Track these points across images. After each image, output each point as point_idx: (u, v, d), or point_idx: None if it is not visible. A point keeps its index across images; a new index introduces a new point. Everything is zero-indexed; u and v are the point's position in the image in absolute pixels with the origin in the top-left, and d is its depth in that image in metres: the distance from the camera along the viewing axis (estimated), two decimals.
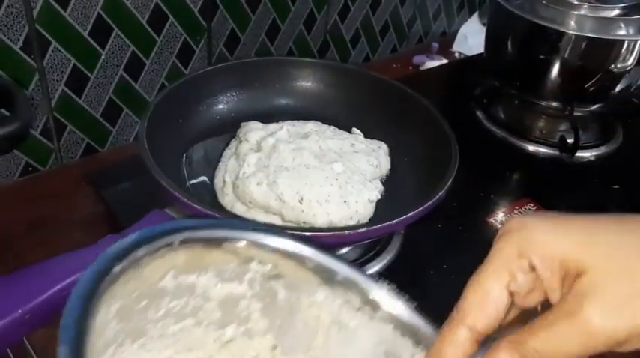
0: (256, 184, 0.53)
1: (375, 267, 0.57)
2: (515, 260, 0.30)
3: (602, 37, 0.68)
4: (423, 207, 0.49)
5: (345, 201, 0.53)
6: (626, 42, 0.68)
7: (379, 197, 0.56)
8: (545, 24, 0.69)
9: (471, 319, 0.31)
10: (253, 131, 0.60)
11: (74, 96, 0.76)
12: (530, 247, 0.30)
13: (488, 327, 0.31)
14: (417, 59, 1.11)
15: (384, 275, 0.56)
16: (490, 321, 0.31)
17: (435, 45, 1.13)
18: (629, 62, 0.71)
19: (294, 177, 0.54)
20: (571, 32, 0.68)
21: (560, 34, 0.69)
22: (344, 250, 0.58)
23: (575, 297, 0.28)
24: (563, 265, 0.29)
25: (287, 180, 0.53)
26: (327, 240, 0.47)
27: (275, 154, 0.56)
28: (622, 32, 0.69)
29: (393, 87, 0.66)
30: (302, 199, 0.52)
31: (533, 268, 0.30)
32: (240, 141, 0.60)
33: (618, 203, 0.69)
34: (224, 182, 0.57)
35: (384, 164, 0.61)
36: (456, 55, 1.16)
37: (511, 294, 0.31)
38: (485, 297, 0.31)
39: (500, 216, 0.65)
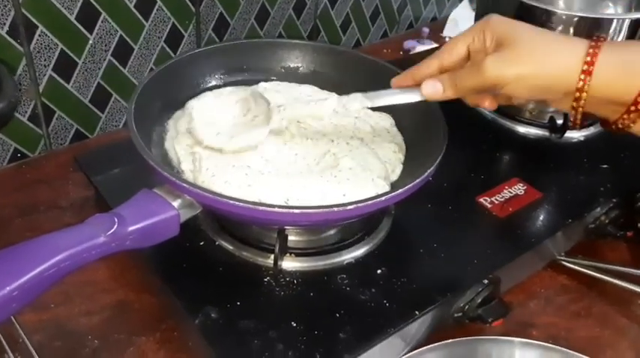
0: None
1: (365, 246, 0.57)
2: (478, 32, 0.49)
3: (591, 15, 0.68)
4: (411, 185, 0.49)
5: (344, 195, 0.52)
6: (614, 20, 0.68)
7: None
8: (534, 3, 0.69)
9: (443, 56, 0.51)
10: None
11: (62, 81, 0.75)
12: (487, 26, 0.49)
13: (449, 64, 0.51)
14: (407, 44, 1.11)
15: (375, 254, 0.57)
16: (452, 60, 0.51)
17: (426, 30, 1.13)
18: (618, 41, 0.71)
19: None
20: (560, 11, 0.68)
21: (549, 14, 0.69)
22: (333, 230, 0.58)
23: (485, 55, 0.47)
24: (498, 37, 0.47)
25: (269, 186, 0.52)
26: (315, 218, 0.47)
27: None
28: (610, 11, 0.69)
29: (384, 68, 0.66)
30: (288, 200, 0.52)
31: (485, 40, 0.49)
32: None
33: (607, 183, 0.69)
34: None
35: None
36: (447, 40, 1.16)
37: (468, 52, 0.50)
38: (454, 47, 0.51)
39: (489, 196, 0.65)
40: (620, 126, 0.47)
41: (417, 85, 0.51)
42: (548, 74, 0.45)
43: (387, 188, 0.54)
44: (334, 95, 0.55)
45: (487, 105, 0.52)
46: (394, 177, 0.58)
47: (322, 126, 0.61)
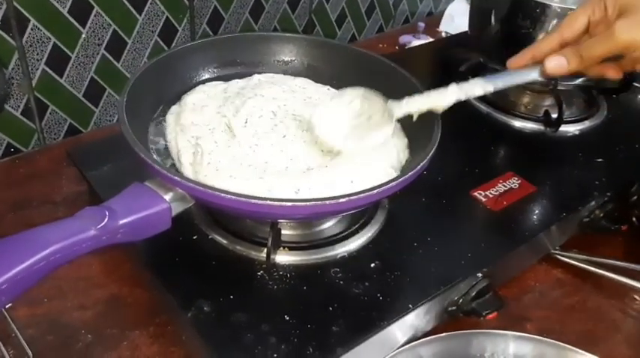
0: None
1: (359, 240, 0.57)
2: (598, 2, 0.51)
3: None
4: (404, 178, 0.49)
5: (352, 182, 0.52)
6: None
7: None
8: None
9: (563, 30, 0.53)
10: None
11: (55, 75, 0.75)
12: None
13: (570, 37, 0.53)
14: (403, 39, 1.10)
15: (369, 248, 0.57)
16: (573, 34, 0.53)
17: (422, 25, 1.13)
18: None
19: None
20: (555, 5, 0.68)
21: (544, 7, 0.69)
22: (328, 223, 0.58)
23: (612, 22, 0.48)
24: (621, 5, 0.49)
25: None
26: (307, 211, 0.46)
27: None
28: None
29: (378, 62, 0.66)
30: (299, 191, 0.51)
31: (606, 9, 0.51)
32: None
33: (602, 177, 0.69)
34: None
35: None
36: (443, 34, 1.16)
37: (588, 23, 0.52)
38: (575, 20, 0.53)
39: (484, 190, 0.65)
40: None
41: (535, 64, 0.53)
42: None
43: (395, 175, 0.54)
44: (453, 84, 0.54)
45: (612, 74, 0.53)
46: (403, 161, 0.58)
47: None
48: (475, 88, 0.54)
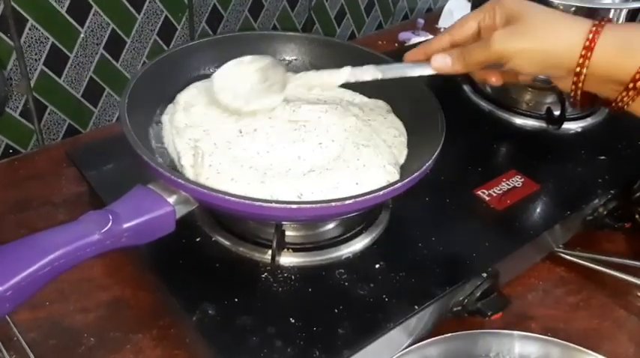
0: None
1: (364, 241, 0.56)
2: (489, 9, 0.51)
3: (587, 5, 0.68)
4: (409, 179, 0.49)
5: (357, 184, 0.52)
6: (612, 10, 0.68)
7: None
8: None
9: (454, 31, 0.53)
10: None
11: (54, 75, 0.74)
12: (498, 4, 0.50)
13: (460, 39, 0.53)
14: (402, 36, 1.10)
15: (373, 248, 0.56)
16: (463, 36, 0.53)
17: (421, 21, 1.12)
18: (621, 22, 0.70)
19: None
20: (557, 1, 0.68)
21: (545, 3, 0.68)
22: (332, 224, 0.57)
23: (493, 31, 0.49)
24: (508, 14, 0.49)
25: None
26: (313, 212, 0.46)
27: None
28: (607, 0, 0.68)
29: (380, 60, 0.65)
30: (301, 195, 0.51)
31: (495, 17, 0.51)
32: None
33: (605, 174, 0.69)
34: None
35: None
36: (442, 31, 1.15)
37: (478, 29, 0.52)
38: (465, 23, 0.53)
39: (487, 188, 0.65)
40: (619, 104, 0.48)
41: (428, 60, 0.53)
42: (551, 49, 0.47)
43: (397, 175, 0.54)
44: (347, 67, 0.56)
45: (494, 81, 0.54)
46: (401, 160, 0.58)
47: (326, 117, 0.60)
48: (366, 74, 0.55)
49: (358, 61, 0.65)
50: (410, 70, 0.55)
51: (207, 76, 0.65)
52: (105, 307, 0.57)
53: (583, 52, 0.46)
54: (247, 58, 0.61)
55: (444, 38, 0.54)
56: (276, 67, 0.59)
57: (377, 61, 0.65)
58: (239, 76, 0.59)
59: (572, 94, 0.50)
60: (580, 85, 0.48)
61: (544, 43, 0.47)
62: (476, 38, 0.52)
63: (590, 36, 0.45)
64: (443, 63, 0.52)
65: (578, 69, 0.46)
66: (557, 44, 0.47)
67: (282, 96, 0.57)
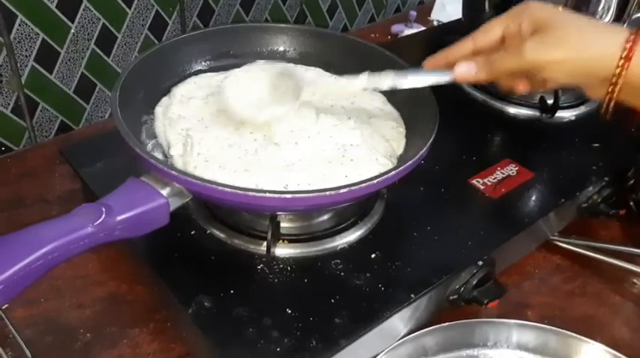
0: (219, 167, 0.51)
1: (359, 231, 0.56)
2: (515, 16, 0.49)
3: None
4: (403, 167, 0.49)
5: (346, 176, 0.52)
6: None
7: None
8: None
9: (477, 37, 0.51)
10: None
11: (45, 72, 0.74)
12: (525, 11, 0.49)
13: (483, 45, 0.51)
14: (395, 28, 1.10)
15: (368, 239, 0.56)
16: (486, 43, 0.51)
17: (413, 13, 1.12)
18: (607, 19, 0.70)
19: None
20: None
21: None
22: (327, 215, 0.57)
23: (525, 38, 0.47)
24: (536, 22, 0.47)
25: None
26: (308, 201, 0.46)
27: None
28: None
29: (373, 50, 0.65)
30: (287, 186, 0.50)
31: (521, 24, 0.49)
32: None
33: (599, 161, 0.69)
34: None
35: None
36: (435, 23, 1.15)
37: (502, 36, 0.50)
38: (490, 30, 0.51)
39: (482, 177, 0.65)
40: None
41: (449, 66, 0.52)
42: (588, 58, 0.46)
43: (391, 166, 0.54)
44: (365, 73, 0.54)
45: (521, 89, 0.52)
46: (400, 151, 0.58)
47: (323, 109, 0.60)
48: (384, 82, 0.53)
49: (350, 52, 0.66)
50: (431, 77, 0.53)
51: (201, 71, 0.65)
52: (100, 303, 0.57)
53: (621, 62, 0.44)
54: (258, 65, 0.59)
55: (466, 44, 0.52)
56: (288, 73, 0.57)
57: (369, 51, 0.65)
58: (250, 83, 0.57)
59: (604, 104, 0.48)
60: (614, 94, 0.46)
61: (580, 52, 0.45)
62: (499, 45, 0.50)
63: (629, 44, 0.44)
64: (467, 70, 0.50)
65: (614, 79, 0.45)
66: (594, 53, 0.45)
67: (296, 105, 0.54)
